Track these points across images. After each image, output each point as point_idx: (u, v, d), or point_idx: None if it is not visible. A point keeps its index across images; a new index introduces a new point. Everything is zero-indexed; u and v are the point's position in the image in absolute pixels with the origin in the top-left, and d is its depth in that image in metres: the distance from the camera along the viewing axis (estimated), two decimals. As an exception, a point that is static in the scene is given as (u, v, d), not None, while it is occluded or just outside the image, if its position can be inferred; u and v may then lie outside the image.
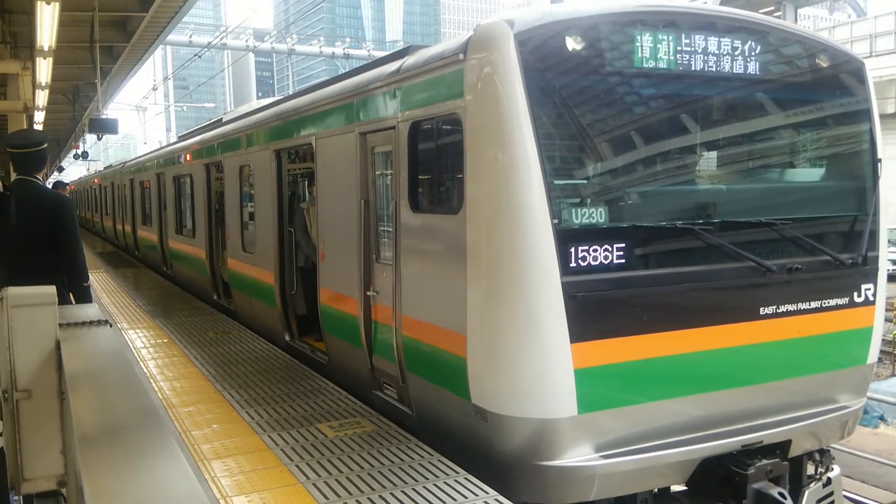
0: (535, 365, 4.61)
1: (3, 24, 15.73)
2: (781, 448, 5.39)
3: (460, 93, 4.91)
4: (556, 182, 4.65)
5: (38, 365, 3.66)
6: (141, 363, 7.63)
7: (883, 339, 6.38)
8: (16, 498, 3.96)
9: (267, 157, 8.73)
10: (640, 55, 4.90)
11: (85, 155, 33.40)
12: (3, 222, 5.39)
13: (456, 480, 4.58)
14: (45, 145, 5.96)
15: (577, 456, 4.74)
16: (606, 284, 4.72)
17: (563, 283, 4.54)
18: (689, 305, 5.04)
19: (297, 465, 4.83)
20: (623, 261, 4.75)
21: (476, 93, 4.78)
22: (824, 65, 5.69)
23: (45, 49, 12.52)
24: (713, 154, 5.56)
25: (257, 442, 5.28)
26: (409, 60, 5.74)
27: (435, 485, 4.52)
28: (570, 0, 5.50)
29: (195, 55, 34.01)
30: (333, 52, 45.74)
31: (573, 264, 4.59)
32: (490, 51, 4.69)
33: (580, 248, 4.61)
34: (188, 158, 13.04)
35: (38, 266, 5.63)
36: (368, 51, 45.39)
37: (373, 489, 4.45)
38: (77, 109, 26.73)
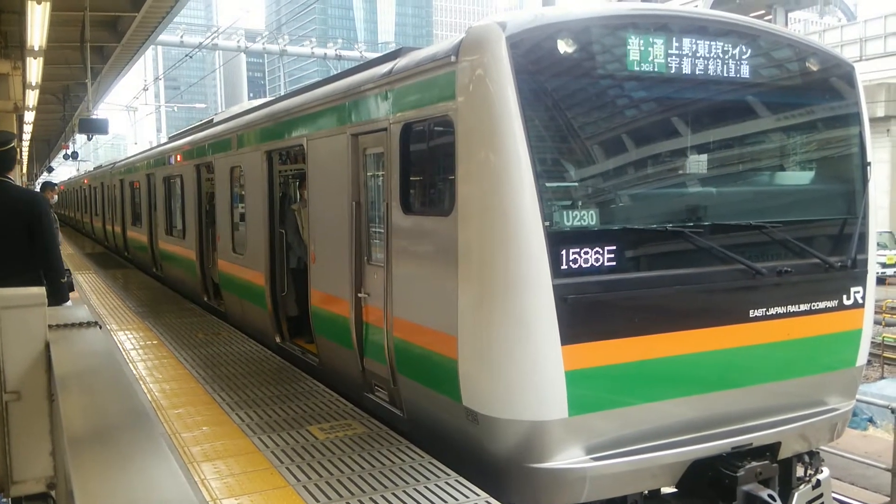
0: (527, 367, 4.62)
1: (-6, 24, 15.66)
2: (771, 450, 5.41)
3: (452, 95, 4.91)
4: (547, 184, 4.66)
5: (28, 366, 3.64)
6: (130, 365, 7.59)
7: (872, 342, 6.41)
8: (5, 500, 3.93)
9: (258, 159, 8.71)
10: (631, 58, 4.92)
11: (75, 155, 33.34)
12: None
13: (447, 482, 4.58)
14: (13, 144, 5.99)
15: (568, 458, 4.74)
16: (597, 287, 4.73)
17: (554, 285, 4.55)
18: (680, 308, 5.06)
19: (287, 468, 4.82)
20: (614, 263, 4.76)
21: (468, 95, 4.78)
22: (814, 68, 5.72)
23: (36, 49, 12.47)
24: (704, 157, 5.57)
25: (247, 444, 5.27)
26: (401, 62, 5.73)
27: (426, 487, 4.51)
28: (562, 3, 5.51)
29: (186, 55, 33.93)
30: (325, 54, 45.72)
31: (564, 266, 4.59)
32: (482, 53, 4.69)
33: (571, 251, 4.61)
34: (179, 159, 12.99)
35: (16, 265, 5.62)
36: (360, 52, 45.41)
37: (363, 491, 4.45)
38: (67, 109, 26.65)
